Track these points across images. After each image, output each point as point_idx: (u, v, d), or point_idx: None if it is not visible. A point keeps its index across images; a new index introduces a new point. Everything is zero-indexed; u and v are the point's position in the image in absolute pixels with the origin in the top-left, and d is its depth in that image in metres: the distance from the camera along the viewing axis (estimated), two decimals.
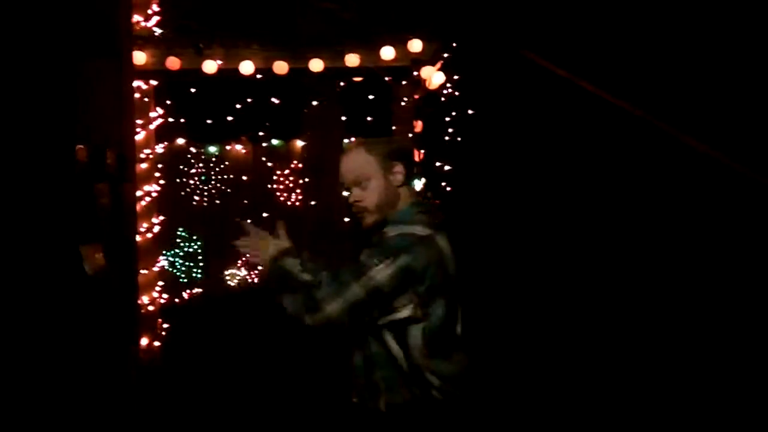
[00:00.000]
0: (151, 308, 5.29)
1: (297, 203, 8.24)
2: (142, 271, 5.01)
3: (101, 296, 3.71)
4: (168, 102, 5.66)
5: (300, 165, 8.26)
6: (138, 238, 4.91)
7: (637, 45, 5.17)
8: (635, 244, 5.13)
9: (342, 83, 5.76)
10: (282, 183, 8.30)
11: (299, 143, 8.25)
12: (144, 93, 5.24)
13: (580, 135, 5.34)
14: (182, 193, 7.95)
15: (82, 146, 3.76)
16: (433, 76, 4.90)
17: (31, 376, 2.99)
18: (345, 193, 2.37)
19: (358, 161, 2.30)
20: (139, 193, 4.99)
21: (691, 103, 5.01)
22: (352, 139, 7.41)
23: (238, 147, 8.19)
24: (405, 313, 2.10)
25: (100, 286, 3.65)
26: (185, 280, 8.03)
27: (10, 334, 2.89)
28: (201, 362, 5.63)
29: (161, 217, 5.53)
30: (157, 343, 5.37)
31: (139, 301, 4.94)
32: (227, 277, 8.20)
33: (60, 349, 3.19)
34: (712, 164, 4.97)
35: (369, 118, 5.79)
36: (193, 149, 8.03)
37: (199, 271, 8.18)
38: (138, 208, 4.94)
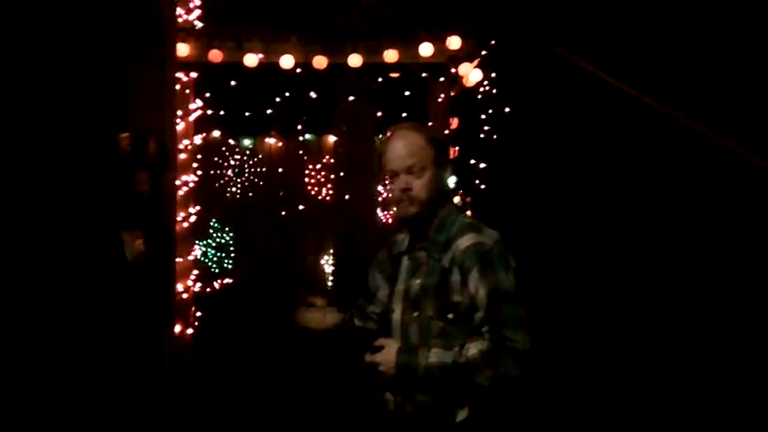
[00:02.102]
0: (185, 296, 5.38)
1: (327, 197, 8.30)
2: (177, 260, 5.09)
3: (140, 281, 3.78)
4: (207, 94, 5.75)
5: (332, 160, 8.32)
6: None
7: (671, 43, 5.15)
8: (666, 242, 5.12)
9: (380, 79, 5.79)
10: (314, 177, 8.36)
11: (331, 138, 8.30)
12: (184, 85, 5.32)
13: (613, 133, 5.34)
14: (216, 185, 8.06)
15: (125, 134, 3.82)
16: (470, 74, 4.92)
17: (70, 356, 3.05)
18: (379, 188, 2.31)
19: (415, 147, 2.13)
20: (177, 183, 5.07)
21: (725, 103, 4.99)
22: (388, 133, 7.45)
23: (272, 141, 8.27)
24: None
25: (140, 271, 3.72)
26: (217, 271, 8.13)
27: (51, 314, 2.96)
28: (232, 350, 5.71)
29: (197, 207, 5.61)
30: (189, 331, 5.45)
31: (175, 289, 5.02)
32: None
33: (99, 332, 3.25)
34: (743, 163, 4.95)
35: (404, 115, 5.82)
36: (230, 141, 8.13)
37: (231, 261, 8.28)
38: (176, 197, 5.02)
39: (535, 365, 2.04)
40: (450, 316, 2.08)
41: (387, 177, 2.21)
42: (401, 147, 2.14)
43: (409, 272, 2.22)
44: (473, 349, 2.00)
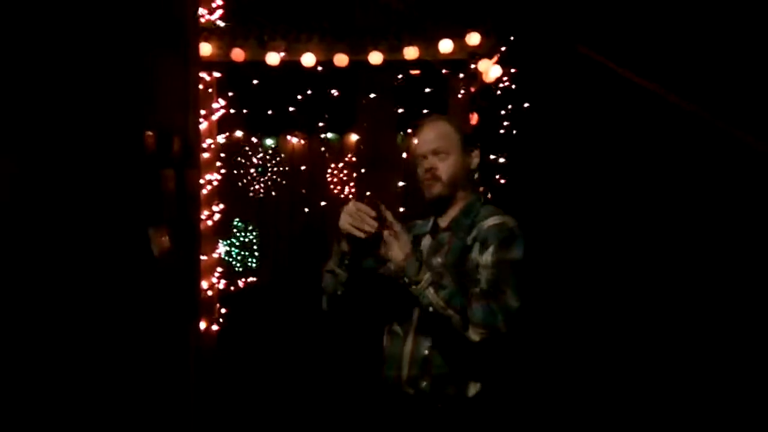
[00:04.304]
0: (210, 293, 5.45)
1: (350, 196, 8.33)
2: (202, 257, 5.15)
3: (166, 276, 3.84)
4: (229, 94, 5.81)
5: (354, 158, 8.35)
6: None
7: (694, 41, 5.12)
8: (686, 240, 5.10)
9: (400, 76, 5.82)
10: (336, 176, 8.40)
11: (353, 137, 8.34)
12: (207, 84, 5.40)
13: (634, 131, 5.33)
14: (239, 184, 8.12)
15: (150, 133, 3.88)
16: (490, 70, 4.94)
17: (97, 350, 3.11)
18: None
19: (442, 132, 2.30)
20: (200, 182, 5.13)
21: (752, 102, 4.95)
22: (409, 130, 7.50)
23: (294, 140, 8.33)
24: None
25: (166, 266, 3.78)
26: (241, 269, 8.20)
27: (79, 309, 3.02)
28: (256, 346, 5.78)
29: (221, 206, 5.68)
30: (215, 328, 5.52)
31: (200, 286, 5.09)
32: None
33: (126, 326, 3.31)
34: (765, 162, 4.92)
35: (425, 111, 5.85)
36: (253, 139, 8.20)
37: (255, 260, 8.34)
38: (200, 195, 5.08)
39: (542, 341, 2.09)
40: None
41: (416, 161, 2.36)
42: (429, 132, 2.32)
43: (430, 252, 2.34)
44: (475, 288, 2.11)
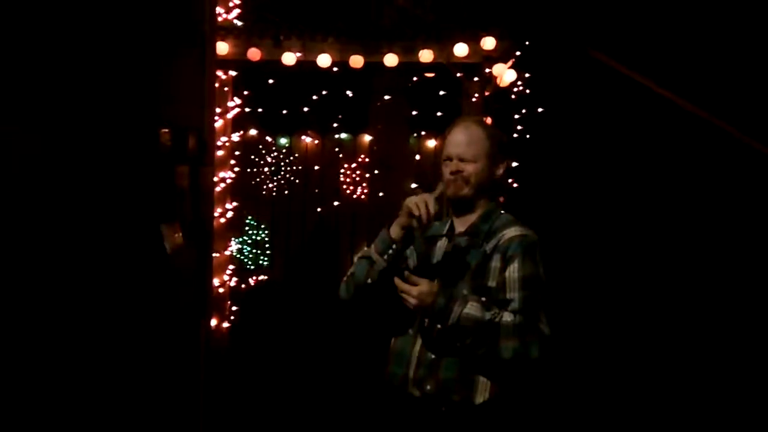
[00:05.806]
0: (221, 290, 5.48)
1: (363, 196, 8.34)
2: (214, 255, 5.18)
3: (178, 272, 3.85)
4: (245, 92, 5.84)
5: (367, 159, 8.35)
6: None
7: (704, 46, 5.12)
8: (696, 242, 5.10)
9: (415, 78, 5.84)
10: (349, 176, 8.40)
11: (367, 137, 8.34)
12: (223, 83, 5.43)
13: (645, 134, 5.33)
14: (253, 182, 8.14)
15: (166, 130, 3.90)
16: (505, 74, 4.95)
17: (109, 345, 3.14)
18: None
19: (474, 138, 2.27)
20: (214, 179, 5.16)
21: (763, 107, 4.95)
22: (422, 132, 7.51)
23: (308, 139, 8.34)
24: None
25: (177, 263, 3.80)
26: (252, 267, 8.22)
27: (92, 304, 3.04)
28: (267, 345, 5.80)
29: (234, 203, 5.71)
30: (226, 325, 5.55)
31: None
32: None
33: (138, 321, 3.34)
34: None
35: (439, 114, 5.87)
36: (267, 138, 8.22)
37: (266, 258, 8.36)
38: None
39: (554, 357, 2.10)
40: (483, 299, 2.16)
41: (443, 160, 2.34)
42: (461, 135, 2.29)
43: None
44: (507, 317, 2.08)
